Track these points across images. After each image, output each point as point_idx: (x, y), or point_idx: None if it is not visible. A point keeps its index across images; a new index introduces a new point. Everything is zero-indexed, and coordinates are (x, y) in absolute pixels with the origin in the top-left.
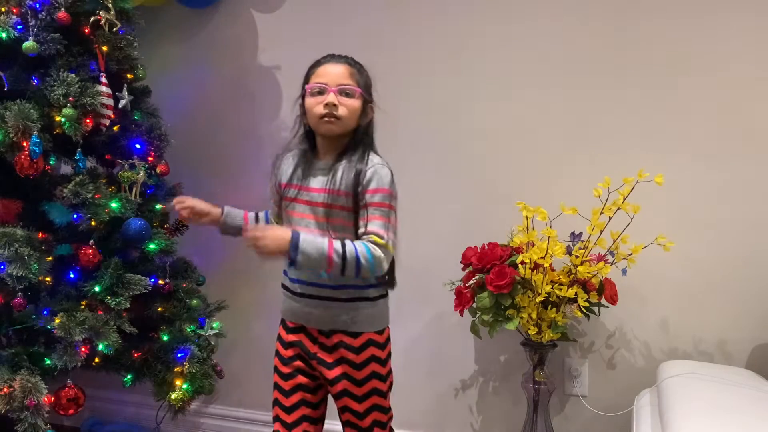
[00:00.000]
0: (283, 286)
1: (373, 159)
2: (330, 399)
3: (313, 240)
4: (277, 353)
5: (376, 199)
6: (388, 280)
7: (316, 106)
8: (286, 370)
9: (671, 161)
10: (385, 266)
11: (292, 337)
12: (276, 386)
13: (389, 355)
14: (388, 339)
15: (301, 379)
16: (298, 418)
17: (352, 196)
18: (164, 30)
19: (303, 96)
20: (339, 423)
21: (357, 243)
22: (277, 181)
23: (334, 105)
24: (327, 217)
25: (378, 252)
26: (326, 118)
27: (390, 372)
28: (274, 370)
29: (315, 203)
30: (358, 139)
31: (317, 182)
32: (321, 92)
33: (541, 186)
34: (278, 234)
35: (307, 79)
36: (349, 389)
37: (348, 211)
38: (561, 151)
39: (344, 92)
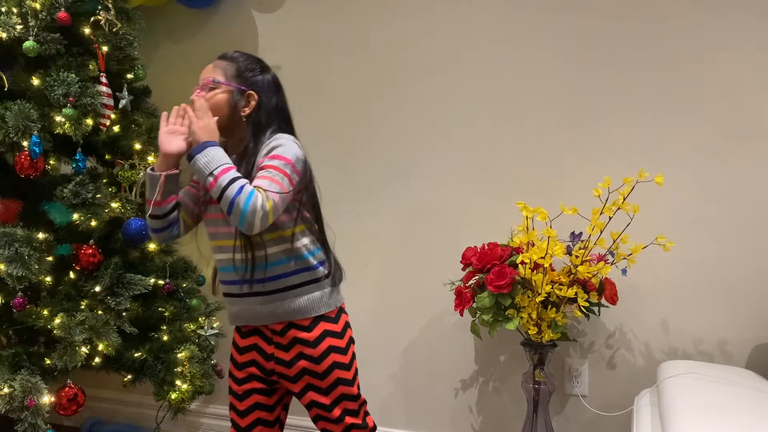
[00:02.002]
0: (225, 294)
1: (277, 136)
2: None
3: (215, 154)
4: (232, 358)
5: (272, 163)
6: (331, 274)
7: None
8: (240, 374)
9: (671, 161)
10: (257, 222)
11: (246, 342)
12: (230, 390)
13: (350, 341)
14: (347, 325)
15: (255, 384)
16: (252, 422)
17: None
18: (164, 30)
19: None
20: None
21: (247, 186)
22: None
23: (192, 101)
24: None
25: (257, 198)
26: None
27: (353, 357)
28: (228, 375)
29: None
30: (249, 128)
31: None
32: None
33: (541, 186)
34: (211, 127)
35: None
36: (313, 383)
37: None
38: (561, 151)
39: (205, 88)
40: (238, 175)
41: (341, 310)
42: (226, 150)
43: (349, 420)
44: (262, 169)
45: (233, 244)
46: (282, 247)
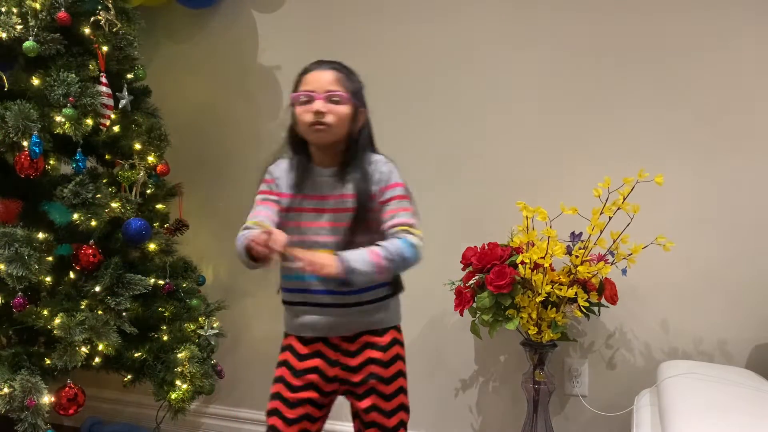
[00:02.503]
0: (296, 303)
1: (376, 158)
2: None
3: (357, 253)
4: (286, 363)
5: (396, 193)
6: (396, 282)
7: (305, 114)
8: (296, 382)
9: (671, 161)
10: (422, 250)
11: (309, 349)
12: (278, 396)
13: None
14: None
15: (311, 393)
16: (299, 431)
17: (364, 200)
18: (164, 30)
19: (293, 104)
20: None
21: (390, 240)
22: (277, 189)
23: (322, 112)
24: (345, 221)
25: (414, 239)
26: (316, 126)
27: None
28: (277, 380)
29: (331, 210)
30: (354, 144)
31: (323, 190)
32: (309, 100)
33: (541, 186)
34: (326, 258)
35: (295, 88)
36: (378, 388)
37: (366, 211)
38: (561, 151)
39: (331, 99)
40: (384, 247)
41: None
42: (316, 162)
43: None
44: (391, 200)
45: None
46: None
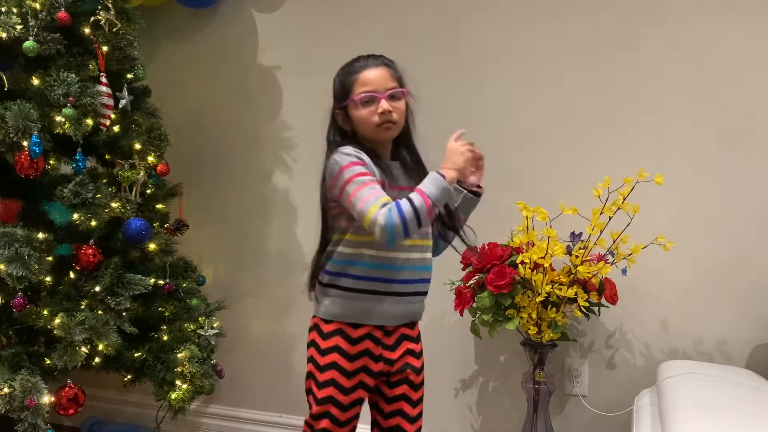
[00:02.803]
0: (368, 291)
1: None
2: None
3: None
4: (336, 366)
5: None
6: None
7: (372, 116)
8: (348, 383)
9: (671, 161)
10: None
11: (357, 348)
12: (331, 400)
13: None
14: None
15: (360, 393)
16: (353, 416)
17: None
18: (164, 30)
19: (343, 106)
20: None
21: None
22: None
23: (390, 111)
24: None
25: None
26: (385, 125)
27: None
28: (328, 384)
29: None
30: (406, 133)
31: (400, 181)
32: (371, 101)
33: (541, 186)
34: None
35: (348, 88)
36: (410, 378)
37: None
38: (561, 151)
39: (393, 96)
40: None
41: None
42: (378, 155)
43: (421, 422)
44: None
45: (428, 244)
46: None
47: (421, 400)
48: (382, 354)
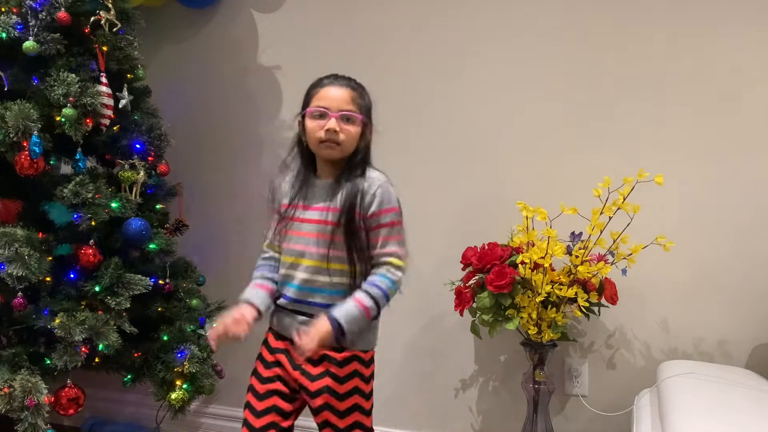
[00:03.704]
0: (277, 304)
1: (373, 175)
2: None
3: (347, 312)
4: (260, 356)
5: (387, 219)
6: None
7: (318, 130)
8: (266, 373)
9: (671, 161)
10: (403, 281)
11: (279, 344)
12: (250, 388)
13: (372, 375)
14: (372, 360)
15: (278, 385)
16: (266, 424)
17: (354, 215)
18: (164, 30)
19: (303, 115)
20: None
21: (376, 278)
22: (279, 201)
23: (335, 131)
24: (328, 234)
25: (397, 275)
26: (327, 143)
27: (371, 392)
28: (252, 373)
29: (316, 221)
30: (356, 159)
31: (319, 201)
32: (322, 116)
33: (541, 186)
34: (323, 333)
35: (307, 100)
36: (331, 403)
37: (347, 228)
38: (561, 151)
39: (345, 118)
40: (370, 294)
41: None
42: (318, 173)
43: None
44: (383, 226)
45: (318, 266)
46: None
47: (352, 426)
48: (302, 365)
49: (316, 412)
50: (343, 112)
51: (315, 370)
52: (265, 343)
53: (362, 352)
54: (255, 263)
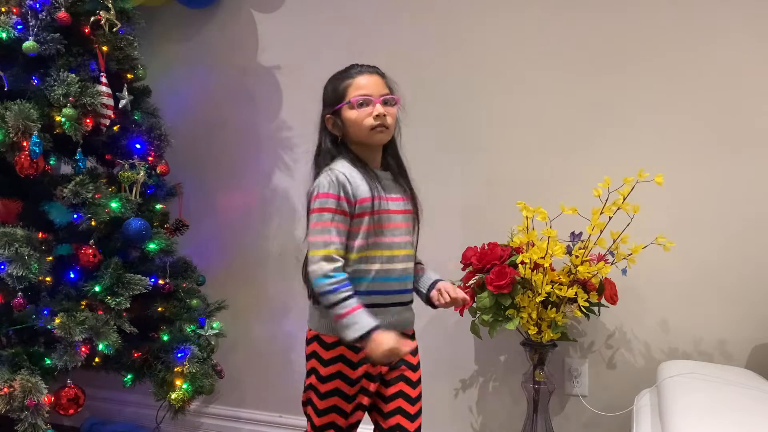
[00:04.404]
0: (367, 305)
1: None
2: None
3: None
4: (340, 375)
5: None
6: None
7: (366, 118)
8: (351, 391)
9: (671, 161)
10: None
11: (360, 356)
12: (335, 409)
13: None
14: None
15: (362, 398)
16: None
17: (417, 201)
18: (164, 30)
19: (336, 111)
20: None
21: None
22: (354, 198)
23: (384, 115)
24: (411, 222)
25: None
26: (378, 129)
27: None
28: (332, 393)
29: (402, 211)
30: (393, 144)
31: (392, 191)
32: (366, 104)
33: (541, 186)
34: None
35: (342, 93)
36: (407, 375)
37: (418, 214)
38: (561, 150)
39: (387, 102)
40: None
41: None
42: (366, 163)
43: (420, 420)
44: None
45: (410, 254)
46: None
47: (419, 397)
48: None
49: (389, 384)
50: (384, 96)
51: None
52: (343, 359)
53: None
54: (255, 263)
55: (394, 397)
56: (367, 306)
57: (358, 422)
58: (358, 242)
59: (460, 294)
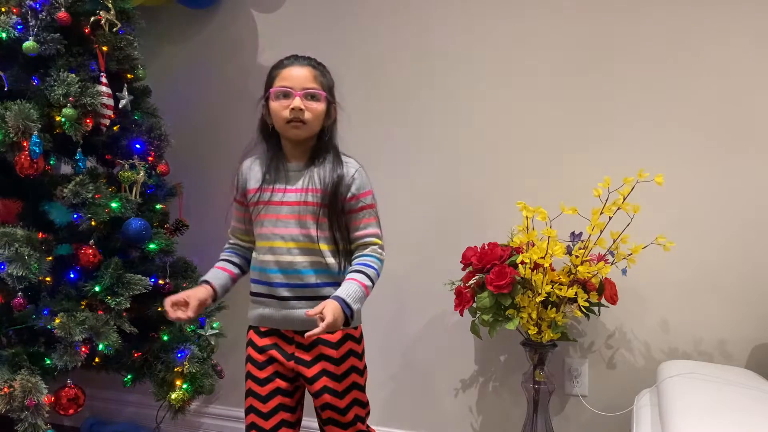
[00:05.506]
0: (257, 294)
1: (348, 160)
2: (308, 399)
3: (353, 292)
4: (250, 359)
5: (367, 201)
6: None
7: (283, 110)
8: (262, 374)
9: (671, 161)
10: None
11: (266, 341)
12: (251, 392)
13: (363, 350)
14: (362, 335)
15: (279, 383)
16: (277, 423)
17: (330, 197)
18: (164, 30)
19: (266, 98)
20: (314, 420)
21: (367, 259)
22: (243, 188)
23: (301, 109)
24: (310, 215)
25: (383, 255)
26: (293, 123)
27: (365, 366)
28: (247, 377)
29: (295, 203)
30: (325, 140)
31: (295, 183)
32: (286, 96)
33: (541, 186)
34: (336, 311)
35: (270, 82)
36: (329, 385)
37: (332, 208)
38: (561, 151)
39: (309, 96)
40: (367, 274)
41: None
42: (287, 156)
43: (359, 426)
44: (363, 209)
45: (305, 247)
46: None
47: (352, 404)
48: (295, 353)
49: (316, 395)
50: (307, 90)
51: (310, 356)
52: (251, 344)
53: (353, 329)
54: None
55: (322, 408)
56: (251, 294)
57: (281, 405)
58: (255, 230)
59: (317, 330)
